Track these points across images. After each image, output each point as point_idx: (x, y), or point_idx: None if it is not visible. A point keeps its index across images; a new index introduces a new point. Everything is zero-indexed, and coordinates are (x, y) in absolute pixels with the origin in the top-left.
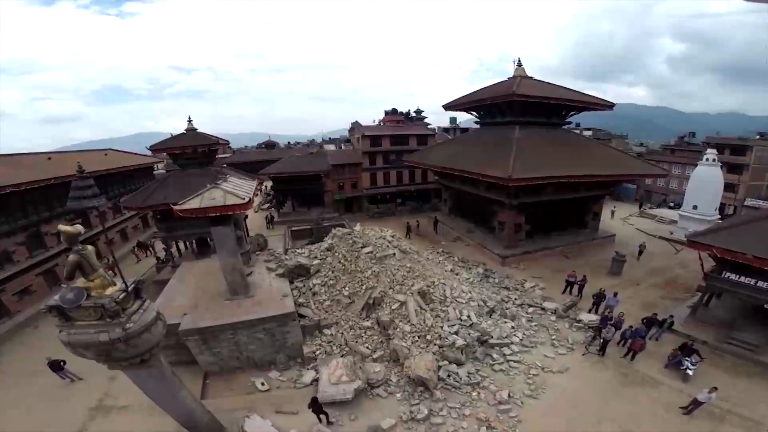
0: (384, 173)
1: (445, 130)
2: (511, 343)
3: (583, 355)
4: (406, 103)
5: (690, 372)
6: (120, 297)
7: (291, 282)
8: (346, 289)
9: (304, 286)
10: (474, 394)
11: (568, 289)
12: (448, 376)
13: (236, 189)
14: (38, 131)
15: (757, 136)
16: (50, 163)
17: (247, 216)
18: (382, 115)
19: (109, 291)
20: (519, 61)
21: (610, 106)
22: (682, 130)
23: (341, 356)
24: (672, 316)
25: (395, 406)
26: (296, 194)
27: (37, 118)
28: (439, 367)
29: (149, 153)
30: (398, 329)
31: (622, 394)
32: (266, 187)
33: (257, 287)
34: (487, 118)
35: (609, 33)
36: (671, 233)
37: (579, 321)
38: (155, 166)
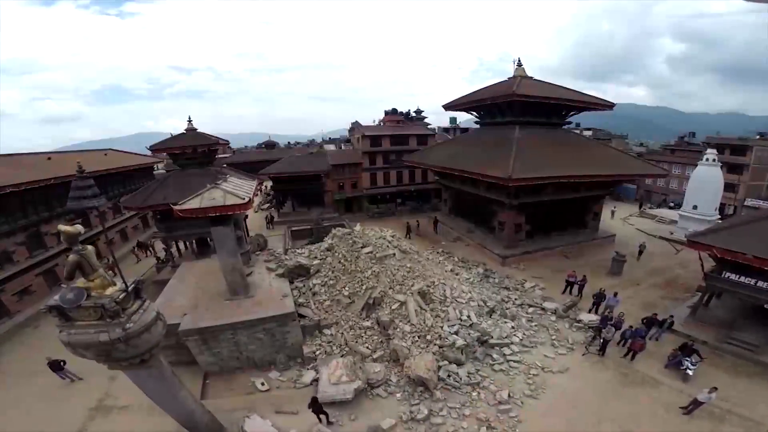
0: (384, 173)
1: (445, 130)
2: (511, 343)
3: (583, 355)
4: (406, 103)
5: (690, 372)
6: (120, 297)
7: (291, 282)
8: (346, 289)
9: (304, 286)
10: (474, 394)
11: (568, 289)
12: (448, 376)
13: (236, 189)
14: (38, 131)
15: (757, 136)
16: (50, 163)
17: (247, 216)
18: (382, 115)
19: (109, 291)
20: (519, 61)
21: (610, 106)
22: (682, 130)
23: (341, 356)
24: (672, 316)
25: (395, 406)
26: (296, 194)
27: (37, 118)
28: (439, 367)
29: (149, 153)
30: (398, 329)
31: (622, 394)
32: (266, 187)
33: (257, 287)
34: (487, 118)
35: (609, 33)
36: (671, 233)
37: (579, 321)
38: (155, 166)
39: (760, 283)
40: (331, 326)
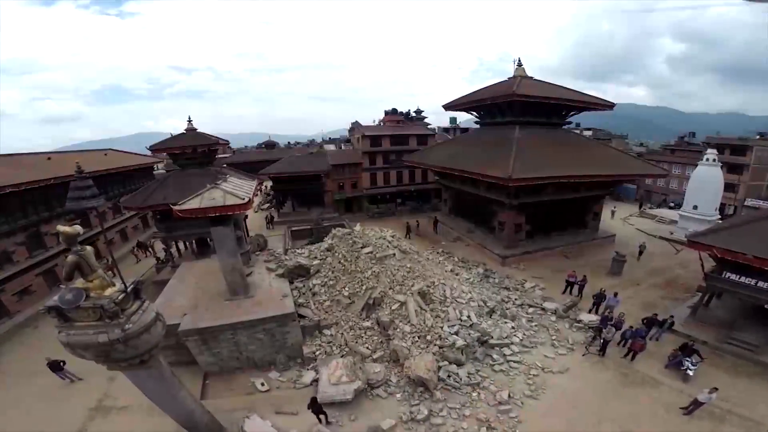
0: (384, 173)
1: (445, 130)
2: (511, 343)
3: (584, 355)
4: (406, 103)
5: (690, 372)
6: (119, 298)
7: (291, 282)
8: (346, 289)
9: (303, 286)
10: (474, 394)
11: (569, 289)
12: (448, 376)
13: (236, 189)
14: (38, 131)
15: (757, 136)
16: (50, 163)
17: (247, 216)
18: (382, 115)
19: (108, 292)
20: (519, 61)
21: (610, 106)
22: (682, 130)
23: (341, 357)
24: (672, 317)
25: (395, 406)
26: (296, 194)
27: (37, 118)
28: (439, 368)
29: (149, 153)
30: (398, 329)
31: (623, 395)
32: (266, 187)
33: (257, 287)
34: (487, 118)
35: (609, 33)
36: (671, 233)
37: (579, 321)
38: (155, 166)
39: (760, 283)
40: (331, 326)
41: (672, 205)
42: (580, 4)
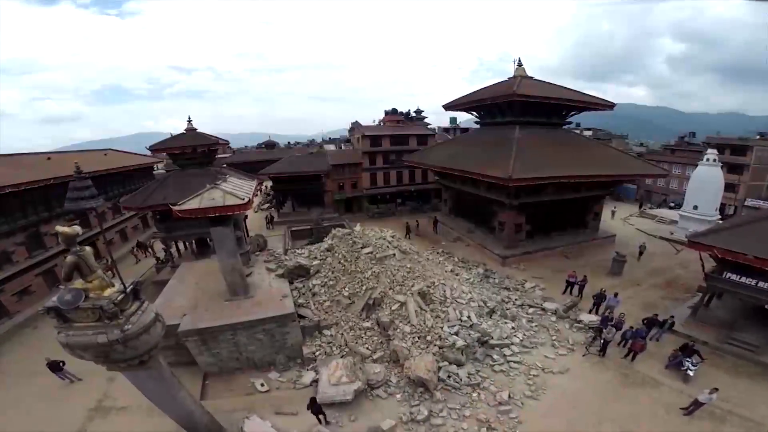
0: (384, 173)
1: (445, 130)
2: (512, 343)
3: (584, 355)
4: (406, 103)
5: (691, 373)
6: (118, 298)
7: (291, 282)
8: (346, 289)
9: (303, 286)
10: (474, 395)
11: (569, 289)
12: (449, 376)
13: (236, 189)
14: (38, 131)
15: (758, 136)
16: (50, 164)
17: (246, 216)
18: (382, 115)
19: (108, 292)
20: (519, 61)
21: (610, 106)
22: (682, 130)
23: (341, 357)
24: (672, 317)
25: (395, 407)
26: (296, 194)
27: (37, 118)
28: (439, 368)
29: (149, 153)
30: (398, 330)
31: (623, 395)
32: (266, 187)
33: (257, 288)
34: (488, 118)
35: (609, 33)
36: (671, 233)
37: (579, 321)
38: (155, 166)
39: (761, 284)
40: (331, 327)
41: (672, 205)
42: (580, 4)
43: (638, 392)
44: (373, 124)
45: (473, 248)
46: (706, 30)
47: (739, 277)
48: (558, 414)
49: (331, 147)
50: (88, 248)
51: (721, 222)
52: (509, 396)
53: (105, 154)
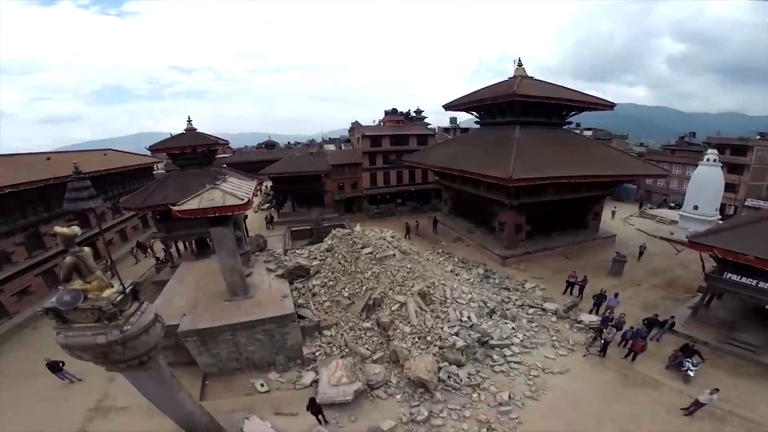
0: (384, 173)
1: (445, 130)
2: (512, 344)
3: (584, 356)
4: (406, 103)
5: (691, 373)
6: (117, 299)
7: (290, 283)
8: (346, 290)
9: (303, 287)
10: (474, 395)
11: (569, 289)
12: (449, 377)
13: (235, 189)
14: (38, 131)
15: (758, 136)
16: (49, 164)
17: (246, 216)
18: (382, 115)
19: (107, 293)
20: (519, 61)
21: (610, 106)
22: (683, 130)
23: (341, 357)
24: (673, 317)
25: (395, 407)
26: (296, 194)
27: (37, 118)
28: (440, 369)
29: (149, 153)
30: (398, 330)
31: (623, 395)
32: (266, 187)
33: (257, 288)
34: (488, 118)
35: (609, 33)
36: (672, 233)
37: (580, 322)
38: (155, 166)
39: (761, 284)
40: (331, 327)
41: (672, 205)
42: (580, 4)
43: (639, 393)
44: (373, 124)
45: (473, 248)
46: (706, 30)
47: (739, 277)
48: (558, 414)
49: (331, 147)
50: (87, 249)
51: (721, 222)
52: (509, 396)
53: (105, 154)
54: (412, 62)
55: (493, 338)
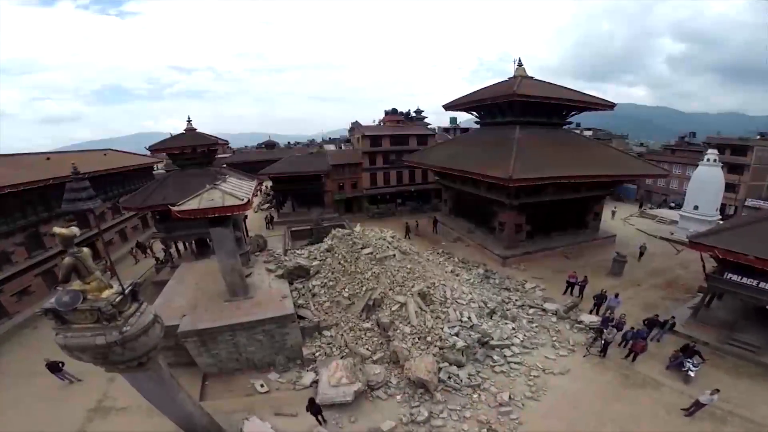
0: (384, 173)
1: (445, 130)
2: (512, 344)
3: (584, 356)
4: (406, 103)
5: (691, 373)
6: (116, 300)
7: (290, 283)
8: (346, 290)
9: (303, 287)
10: (474, 396)
11: (569, 290)
12: (449, 377)
13: (235, 190)
14: (38, 131)
15: (758, 136)
16: (49, 164)
17: (246, 216)
18: (382, 115)
19: (106, 294)
20: (519, 60)
21: (610, 106)
22: (683, 130)
23: (341, 358)
24: (673, 317)
25: (395, 408)
26: (296, 194)
27: (37, 118)
28: (440, 369)
29: (149, 153)
30: (398, 331)
31: (624, 396)
32: (266, 187)
33: (256, 288)
34: (488, 118)
35: (609, 33)
36: (672, 234)
37: (580, 322)
38: (155, 166)
39: (761, 284)
40: (331, 328)
41: (672, 205)
42: (580, 4)
43: (639, 393)
44: (373, 124)
45: (473, 248)
46: (706, 30)
47: (740, 277)
48: (559, 415)
49: (331, 147)
50: (86, 249)
51: (721, 222)
52: (510, 397)
53: (104, 154)
54: (412, 62)
55: (493, 339)
